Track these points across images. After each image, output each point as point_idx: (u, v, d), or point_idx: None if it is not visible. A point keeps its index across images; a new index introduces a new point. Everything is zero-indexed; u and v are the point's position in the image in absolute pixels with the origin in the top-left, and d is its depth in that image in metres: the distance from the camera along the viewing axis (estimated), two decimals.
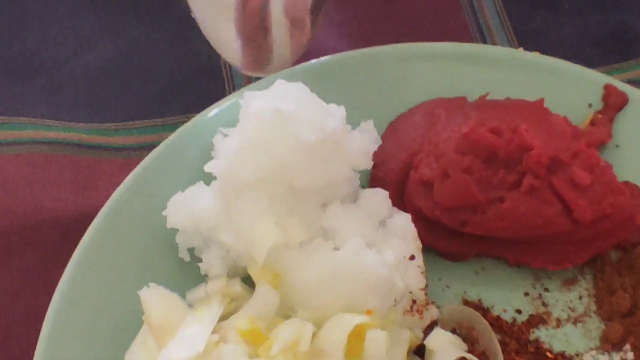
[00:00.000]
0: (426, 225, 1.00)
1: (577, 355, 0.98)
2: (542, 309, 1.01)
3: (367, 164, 0.99)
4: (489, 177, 0.97)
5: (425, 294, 0.96)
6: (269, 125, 0.92)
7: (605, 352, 0.98)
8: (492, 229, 0.98)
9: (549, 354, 0.97)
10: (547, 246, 1.00)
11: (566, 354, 0.98)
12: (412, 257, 0.96)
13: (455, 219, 0.98)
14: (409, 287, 0.95)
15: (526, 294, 1.02)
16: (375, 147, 1.00)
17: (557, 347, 0.99)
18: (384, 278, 0.91)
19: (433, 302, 0.98)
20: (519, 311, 1.01)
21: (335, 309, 0.89)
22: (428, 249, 1.01)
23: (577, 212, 0.97)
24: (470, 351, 0.96)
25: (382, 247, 0.95)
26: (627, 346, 0.99)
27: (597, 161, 0.99)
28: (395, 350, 0.89)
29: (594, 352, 0.99)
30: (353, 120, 1.01)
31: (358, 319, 0.87)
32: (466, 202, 0.97)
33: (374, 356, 0.86)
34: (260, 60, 1.05)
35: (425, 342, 0.93)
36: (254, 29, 0.98)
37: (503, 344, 0.98)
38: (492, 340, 0.95)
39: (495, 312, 1.00)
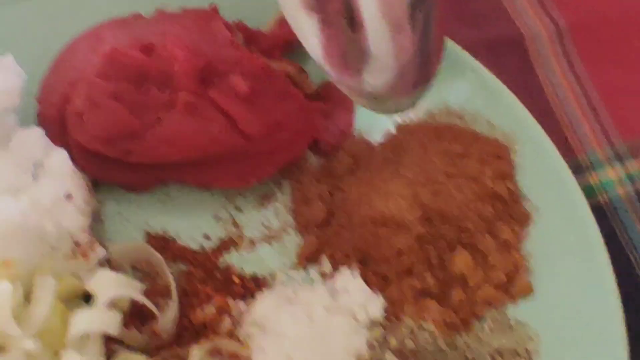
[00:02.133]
0: (95, 159, 0.92)
1: (271, 275, 0.92)
2: (233, 232, 0.94)
3: (12, 102, 0.90)
4: (142, 99, 0.89)
5: (90, 234, 0.89)
6: None
7: (302, 268, 0.92)
8: (157, 154, 0.90)
9: (235, 279, 0.91)
10: (228, 164, 0.92)
11: (259, 275, 0.92)
12: (69, 197, 0.88)
13: (117, 150, 0.90)
14: (66, 229, 0.87)
15: (217, 218, 0.95)
16: (19, 83, 0.90)
17: (250, 269, 0.92)
18: (19, 225, 0.83)
19: (101, 242, 0.91)
20: (207, 237, 0.94)
21: None
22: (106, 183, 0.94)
23: (243, 126, 0.89)
24: (152, 287, 0.90)
25: (33, 191, 0.87)
26: (324, 258, 0.92)
27: (262, 67, 0.90)
28: (40, 300, 0.82)
29: (289, 270, 0.92)
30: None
31: None
32: (121, 130, 0.88)
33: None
34: (349, 59, 0.80)
35: (86, 285, 0.86)
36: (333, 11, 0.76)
37: (189, 274, 0.91)
38: (166, 274, 0.89)
39: (182, 241, 0.93)
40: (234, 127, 0.89)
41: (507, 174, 0.93)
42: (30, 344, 0.79)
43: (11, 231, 0.83)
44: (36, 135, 0.90)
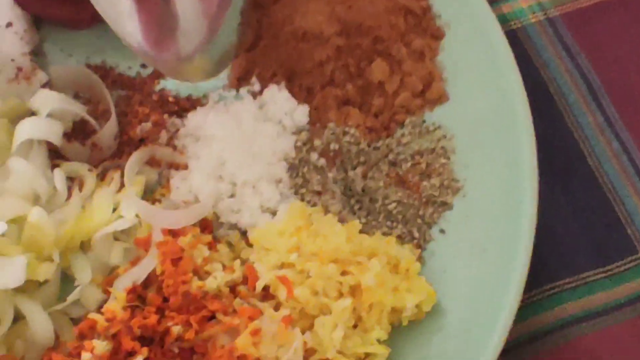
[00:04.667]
0: None
1: (204, 96, 0.98)
2: None
3: None
4: None
5: (31, 60, 0.96)
6: None
7: (234, 89, 0.99)
8: None
9: (170, 99, 0.97)
10: None
11: (192, 97, 0.98)
12: (9, 24, 0.94)
13: None
14: (7, 54, 0.94)
15: None
16: None
17: (184, 92, 0.98)
18: None
19: (41, 67, 0.97)
20: (144, 66, 1.00)
21: None
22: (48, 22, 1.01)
23: None
24: (94, 111, 0.96)
25: None
26: (254, 79, 0.99)
27: None
28: None
29: (221, 91, 0.99)
30: None
31: None
32: None
33: None
34: (165, 28, 0.86)
35: (29, 103, 0.92)
36: None
37: (128, 98, 0.98)
38: (104, 94, 0.95)
39: (120, 70, 1.00)
40: None
41: None
42: None
43: None
44: None
